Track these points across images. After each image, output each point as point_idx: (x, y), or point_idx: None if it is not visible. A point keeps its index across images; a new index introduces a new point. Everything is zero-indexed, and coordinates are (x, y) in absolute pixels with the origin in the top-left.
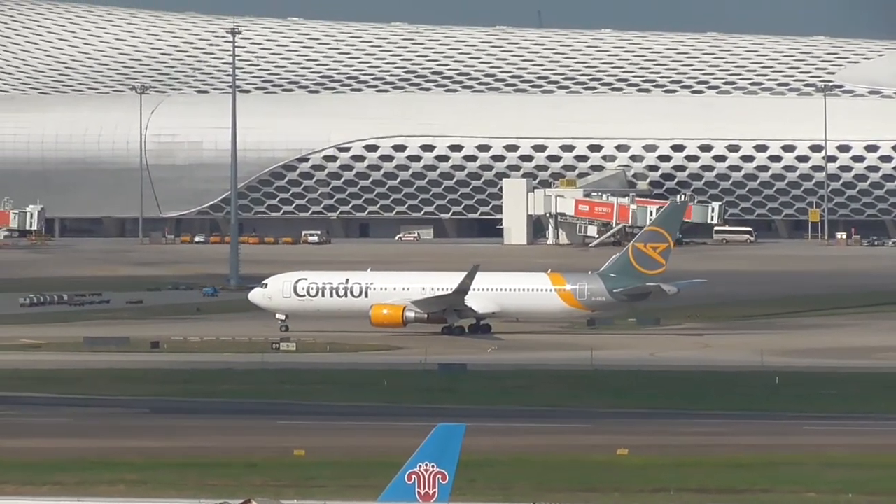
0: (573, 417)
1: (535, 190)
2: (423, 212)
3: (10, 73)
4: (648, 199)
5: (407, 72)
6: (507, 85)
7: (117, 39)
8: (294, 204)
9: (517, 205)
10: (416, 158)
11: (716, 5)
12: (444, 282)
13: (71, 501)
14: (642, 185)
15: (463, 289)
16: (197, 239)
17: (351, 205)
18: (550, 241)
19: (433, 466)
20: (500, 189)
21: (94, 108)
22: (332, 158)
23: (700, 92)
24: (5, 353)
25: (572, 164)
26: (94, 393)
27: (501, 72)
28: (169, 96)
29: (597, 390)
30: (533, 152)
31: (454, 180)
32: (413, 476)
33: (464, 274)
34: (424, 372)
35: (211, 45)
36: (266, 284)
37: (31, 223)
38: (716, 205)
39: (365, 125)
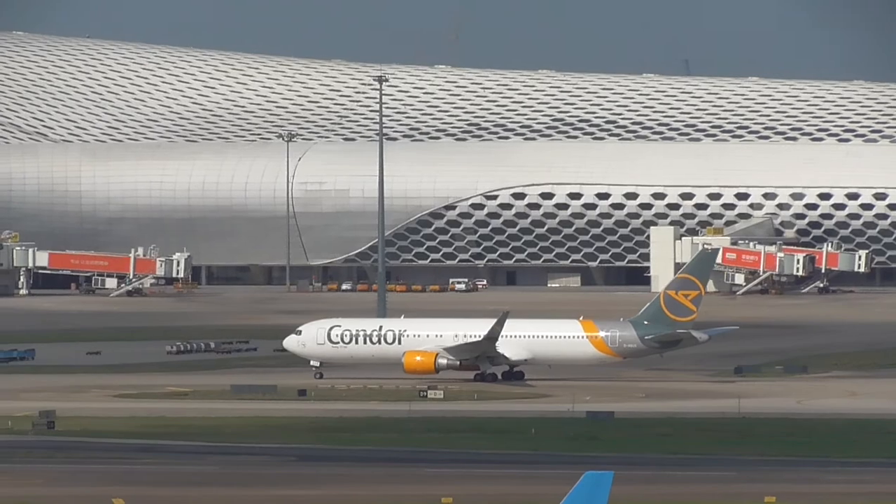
0: (720, 465)
1: (683, 238)
2: (570, 260)
3: (156, 121)
4: (795, 248)
5: (554, 119)
6: (654, 133)
7: (264, 87)
8: (441, 252)
9: (664, 252)
10: (564, 206)
11: (862, 54)
12: (476, 328)
13: None
14: (789, 233)
15: (493, 335)
16: (344, 287)
17: (498, 252)
18: None
19: None
20: (648, 237)
21: (240, 156)
22: (480, 206)
23: (846, 140)
24: (152, 401)
25: (719, 212)
26: (241, 441)
27: (649, 119)
28: (316, 144)
29: (744, 438)
30: (680, 200)
31: (601, 228)
32: None
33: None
34: (572, 420)
35: (358, 92)
36: (300, 331)
37: (177, 271)
38: (862, 253)
39: (512, 173)
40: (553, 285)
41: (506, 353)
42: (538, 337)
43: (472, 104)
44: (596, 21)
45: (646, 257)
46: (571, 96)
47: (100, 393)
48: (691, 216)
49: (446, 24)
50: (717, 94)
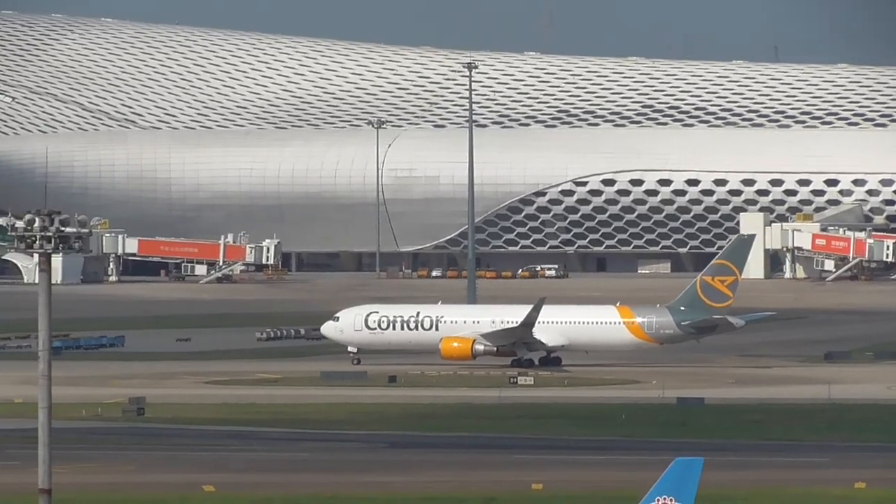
0: (810, 451)
1: (772, 224)
2: (660, 246)
3: (245, 108)
4: (885, 234)
5: (644, 106)
6: (743, 119)
7: (354, 73)
8: (531, 238)
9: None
10: (654, 193)
11: None
12: (512, 315)
13: None
14: (879, 219)
15: (529, 322)
16: (434, 273)
17: (588, 239)
18: (787, 275)
19: (671, 500)
20: (737, 223)
21: (330, 143)
22: (570, 193)
23: None
24: (242, 387)
25: (809, 198)
26: (331, 428)
27: (738, 106)
28: (406, 130)
29: (834, 424)
30: (770, 187)
31: (691, 214)
32: None
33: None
34: (662, 406)
35: (447, 79)
36: (338, 318)
37: (267, 257)
38: None
39: (602, 159)
40: (643, 271)
41: (542, 338)
42: (575, 323)
43: (561, 91)
44: (685, 8)
45: None
46: (661, 83)
47: (190, 379)
48: (781, 202)
49: (537, 10)
50: (806, 80)
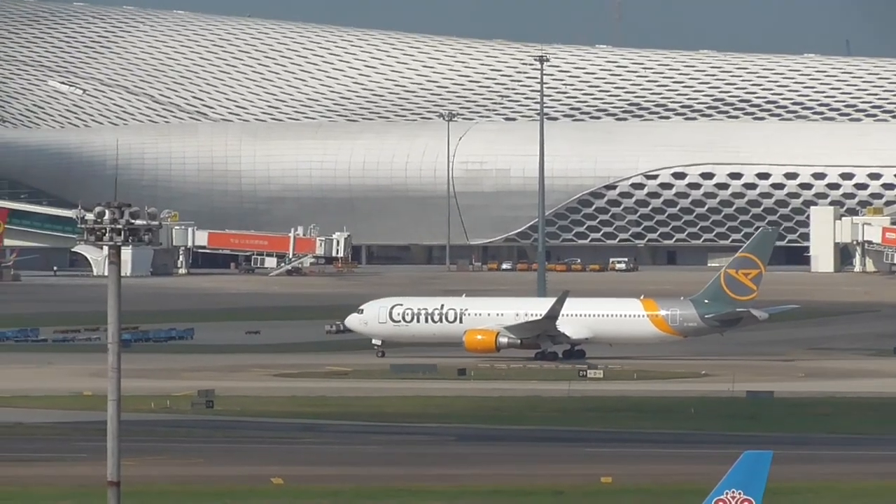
0: (880, 445)
1: (843, 218)
2: (730, 239)
3: (316, 100)
4: None
5: (715, 99)
6: (814, 113)
7: (425, 66)
8: (601, 231)
9: (824, 232)
10: (724, 186)
11: None
12: (537, 307)
13: None
14: None
15: (553, 314)
16: (504, 266)
17: (658, 232)
18: (857, 268)
19: (740, 494)
20: (808, 217)
21: (401, 136)
22: (640, 186)
23: None
24: (312, 380)
25: (879, 192)
26: (401, 421)
27: (809, 100)
28: (476, 123)
29: None
30: (840, 180)
31: (761, 208)
32: (720, 503)
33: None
34: (731, 399)
35: (519, 72)
36: (362, 310)
37: (337, 250)
38: None
39: (673, 153)
40: (713, 265)
41: (566, 331)
42: (599, 316)
43: (632, 84)
44: (757, 1)
45: (806, 237)
46: (732, 76)
47: (259, 372)
48: (851, 196)
49: (608, 3)
50: (877, 73)
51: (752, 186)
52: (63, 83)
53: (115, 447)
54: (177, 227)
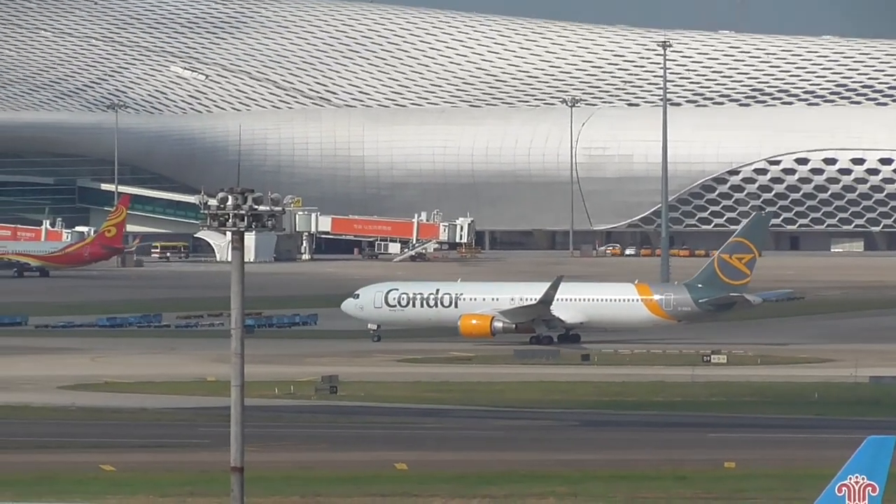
0: None
1: None
2: (853, 225)
3: (439, 86)
4: None
5: (837, 85)
6: None
7: (548, 52)
8: (724, 217)
9: None
10: (847, 171)
11: None
12: (532, 292)
13: None
14: None
15: (547, 299)
16: (627, 252)
17: (781, 218)
18: None
19: (863, 479)
20: None
21: (524, 121)
22: (763, 171)
23: None
24: (435, 365)
25: None
26: (524, 406)
27: None
28: (599, 109)
29: None
30: None
31: (884, 193)
32: (843, 488)
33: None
34: (855, 384)
35: (641, 58)
36: (358, 295)
37: (460, 236)
38: None
39: (795, 138)
40: (836, 250)
41: (561, 316)
42: (593, 300)
43: (755, 69)
44: None
45: None
46: (854, 62)
47: (383, 358)
48: None
49: None
50: None
51: (874, 172)
52: (186, 69)
53: (238, 433)
54: (300, 213)
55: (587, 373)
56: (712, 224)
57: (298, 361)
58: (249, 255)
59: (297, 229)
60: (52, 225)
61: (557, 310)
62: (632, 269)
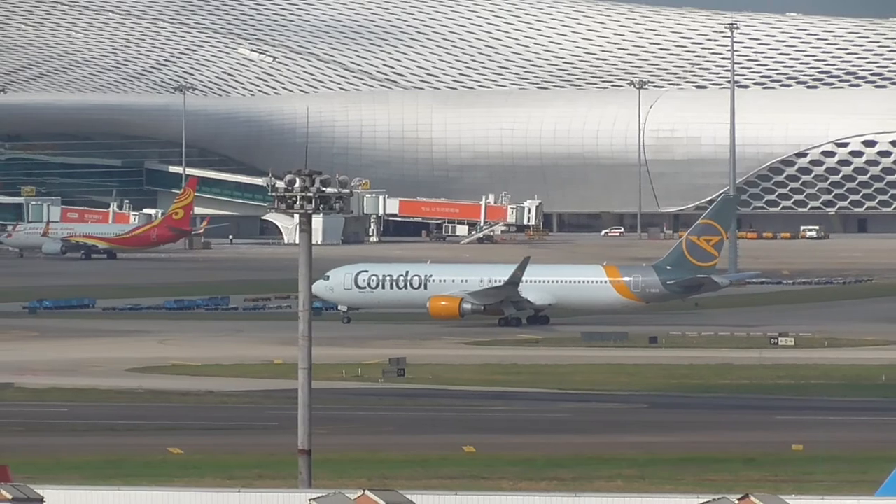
0: None
1: None
2: None
3: (507, 68)
4: None
5: None
6: None
7: (615, 34)
8: (792, 199)
9: None
10: None
11: None
12: (501, 273)
13: (568, 497)
14: None
15: (514, 280)
16: None
17: (849, 200)
18: None
19: None
20: None
21: (591, 103)
22: (831, 154)
23: None
24: (503, 348)
25: None
26: (592, 388)
27: None
28: (667, 91)
29: None
30: None
31: None
32: None
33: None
34: None
35: (709, 40)
36: (328, 276)
37: (528, 218)
38: None
39: (863, 121)
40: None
41: (530, 297)
42: (562, 282)
43: (823, 52)
44: None
45: None
46: None
47: (450, 340)
48: None
49: None
50: None
51: None
52: (253, 51)
53: (305, 415)
54: (368, 195)
55: (654, 355)
56: (780, 206)
57: (366, 344)
58: (317, 237)
59: (365, 212)
60: (120, 207)
61: (526, 291)
62: None
